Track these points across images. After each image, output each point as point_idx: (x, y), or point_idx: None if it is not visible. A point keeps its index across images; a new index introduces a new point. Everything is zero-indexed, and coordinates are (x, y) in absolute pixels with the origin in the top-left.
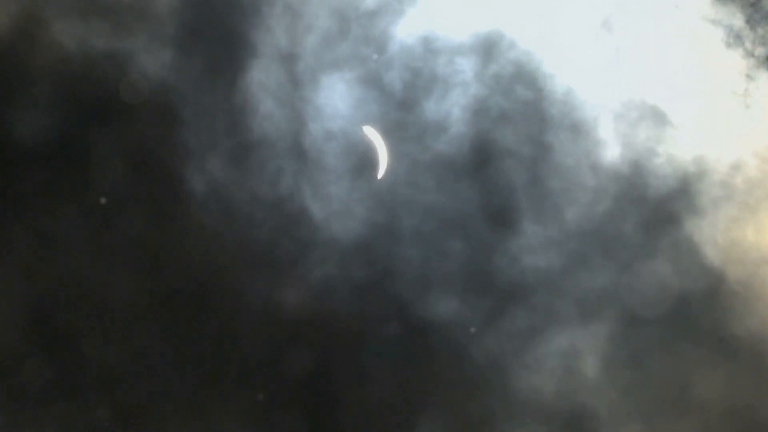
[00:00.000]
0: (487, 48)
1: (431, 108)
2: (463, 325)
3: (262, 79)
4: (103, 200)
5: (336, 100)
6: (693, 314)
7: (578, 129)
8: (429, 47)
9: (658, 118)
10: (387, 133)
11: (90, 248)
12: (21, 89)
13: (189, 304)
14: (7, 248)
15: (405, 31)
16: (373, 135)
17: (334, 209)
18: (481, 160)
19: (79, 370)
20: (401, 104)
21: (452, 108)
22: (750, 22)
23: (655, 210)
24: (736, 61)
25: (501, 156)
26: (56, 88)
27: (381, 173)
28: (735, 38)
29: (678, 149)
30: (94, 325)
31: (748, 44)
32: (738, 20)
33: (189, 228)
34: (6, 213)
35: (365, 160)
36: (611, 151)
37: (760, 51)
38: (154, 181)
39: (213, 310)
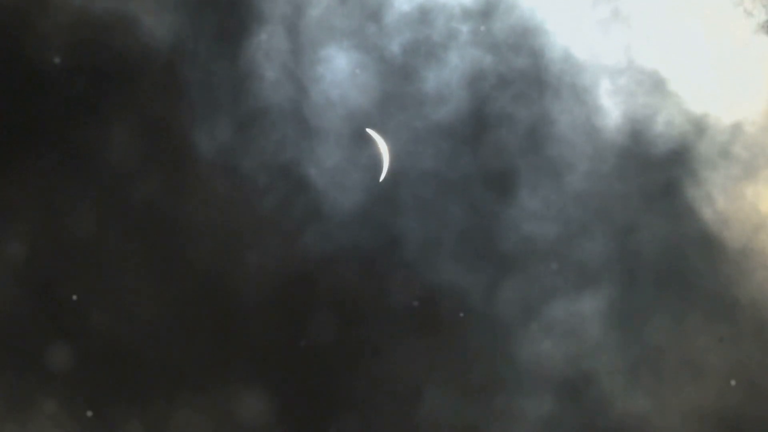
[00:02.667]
0: (486, 11)
1: (430, 75)
2: (468, 294)
3: (267, 44)
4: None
5: (338, 69)
6: (695, 280)
7: (577, 94)
8: (426, 12)
9: (657, 81)
10: (386, 103)
11: (96, 214)
12: (27, 53)
13: (197, 271)
14: (12, 214)
15: None
16: (376, 136)
17: (338, 179)
18: (481, 127)
19: (85, 340)
20: (400, 72)
21: (451, 74)
22: None
23: (655, 175)
24: (737, 23)
25: (500, 122)
26: (62, 51)
27: (383, 175)
28: (735, 4)
29: (677, 114)
30: (99, 293)
31: (748, 4)
32: None
33: (197, 193)
34: (11, 179)
35: (367, 133)
36: (610, 116)
37: (759, 14)
38: (160, 145)
39: (221, 277)
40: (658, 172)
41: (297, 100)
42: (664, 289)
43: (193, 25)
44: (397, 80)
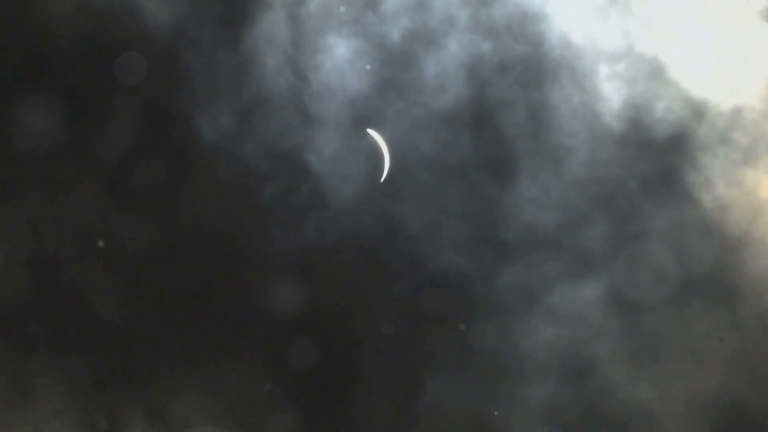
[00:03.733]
0: None
1: (429, 62)
2: (470, 281)
3: (269, 31)
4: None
5: (339, 56)
6: (695, 265)
7: (577, 80)
8: None
9: (657, 68)
10: (385, 89)
11: (100, 199)
12: (29, 38)
13: (201, 257)
14: (15, 199)
15: None
16: (377, 137)
17: (340, 167)
18: (481, 113)
19: (87, 325)
20: (399, 58)
21: (450, 61)
22: None
23: (654, 161)
24: (737, 9)
25: (500, 109)
26: (65, 37)
27: (384, 175)
28: None
29: (677, 100)
30: (103, 278)
31: None
32: None
33: (198, 180)
34: (14, 163)
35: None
36: (610, 102)
37: (759, 0)
38: (161, 132)
39: (224, 265)
40: (658, 158)
41: (298, 87)
42: (664, 275)
43: (195, 12)
44: (398, 67)
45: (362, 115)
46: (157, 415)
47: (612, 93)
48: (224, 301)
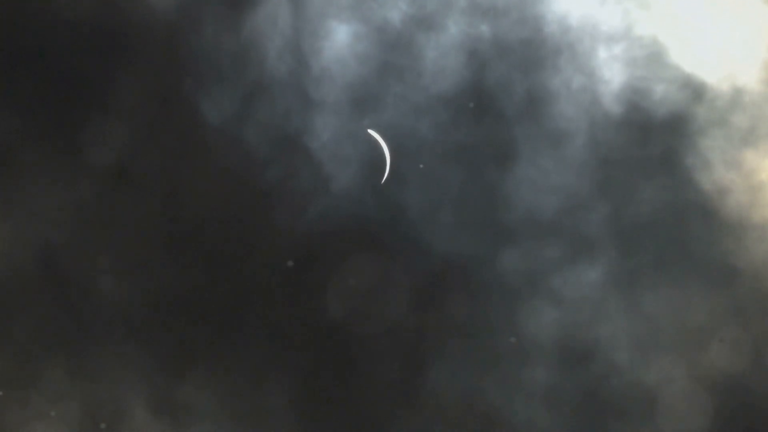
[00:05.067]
0: None
1: (429, 45)
2: (474, 265)
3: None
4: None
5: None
6: (694, 248)
7: (576, 62)
8: None
9: (656, 50)
10: (384, 74)
11: (101, 184)
12: (30, 21)
13: (203, 243)
14: (17, 184)
15: None
16: (377, 137)
17: (340, 152)
18: (480, 98)
19: (90, 312)
20: (397, 43)
21: (449, 44)
22: None
23: (654, 143)
24: None
25: (499, 93)
26: (67, 22)
27: (385, 176)
28: None
29: (676, 82)
30: (106, 263)
31: None
32: None
33: (200, 164)
34: (18, 148)
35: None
36: (609, 85)
37: None
38: (163, 116)
39: (229, 250)
40: (657, 140)
41: (299, 72)
42: (664, 258)
43: None
44: (397, 52)
45: (362, 99)
46: (160, 401)
47: (611, 75)
48: (227, 288)
